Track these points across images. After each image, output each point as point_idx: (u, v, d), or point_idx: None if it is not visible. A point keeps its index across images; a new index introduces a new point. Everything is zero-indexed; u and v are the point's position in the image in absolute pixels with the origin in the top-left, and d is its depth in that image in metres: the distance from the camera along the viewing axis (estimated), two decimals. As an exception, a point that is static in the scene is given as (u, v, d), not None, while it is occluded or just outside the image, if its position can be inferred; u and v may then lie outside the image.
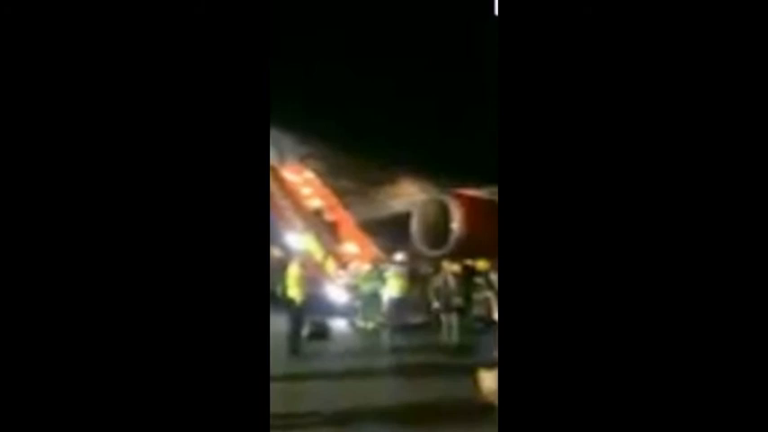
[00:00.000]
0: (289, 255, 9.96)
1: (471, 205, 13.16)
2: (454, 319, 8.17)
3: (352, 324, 9.91)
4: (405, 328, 8.88)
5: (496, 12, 2.51)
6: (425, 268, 11.40)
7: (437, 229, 13.57)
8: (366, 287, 9.96)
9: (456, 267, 9.51)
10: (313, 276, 9.77)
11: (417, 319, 9.63)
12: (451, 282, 8.51)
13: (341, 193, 14.47)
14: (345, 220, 13.79)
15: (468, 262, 10.64)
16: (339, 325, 9.66)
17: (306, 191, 14.35)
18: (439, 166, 14.00)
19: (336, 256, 12.42)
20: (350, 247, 12.95)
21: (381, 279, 9.67)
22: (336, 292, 11.21)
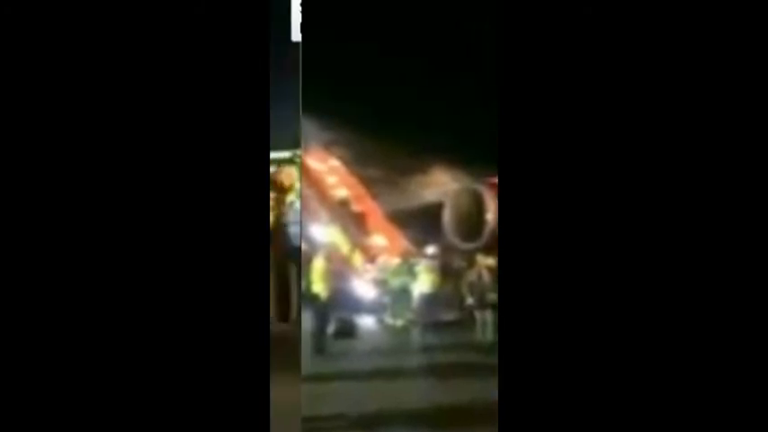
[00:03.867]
0: (313, 248, 10.00)
1: (507, 195, 13.03)
2: (489, 315, 8.15)
3: (381, 321, 9.93)
4: (436, 326, 8.89)
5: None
6: (458, 262, 11.35)
7: (471, 221, 13.48)
8: (395, 282, 9.98)
9: (491, 261, 9.44)
10: (339, 270, 9.81)
11: (449, 315, 9.61)
12: (486, 276, 8.49)
13: (368, 183, 14.41)
14: (373, 210, 13.76)
15: (504, 255, 10.52)
16: (367, 322, 9.70)
17: (331, 180, 14.34)
18: (473, 154, 13.89)
19: (364, 248, 12.42)
20: (378, 240, 12.93)
21: (411, 273, 9.68)
22: (364, 288, 11.22)
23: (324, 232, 12.59)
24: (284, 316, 7.79)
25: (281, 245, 7.90)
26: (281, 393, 5.00)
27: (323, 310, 7.56)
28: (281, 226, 8.01)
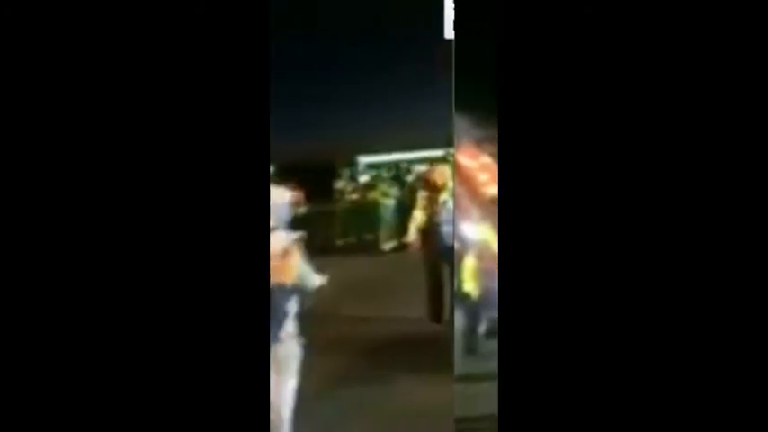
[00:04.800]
0: (464, 246, 10.02)
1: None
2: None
3: (532, 322, 9.77)
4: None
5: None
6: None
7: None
8: (547, 282, 9.78)
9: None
10: (490, 269, 9.77)
11: (603, 317, 9.30)
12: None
13: (520, 180, 14.20)
14: (525, 208, 13.55)
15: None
16: (518, 322, 9.56)
17: (482, 177, 14.27)
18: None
19: (515, 247, 12.26)
20: (529, 238, 12.72)
21: (564, 273, 9.45)
22: (515, 287, 11.08)
23: (475, 230, 12.54)
24: (437, 316, 7.87)
25: (434, 244, 7.98)
26: (434, 394, 5.12)
27: (474, 309, 7.57)
28: (434, 225, 8.08)
